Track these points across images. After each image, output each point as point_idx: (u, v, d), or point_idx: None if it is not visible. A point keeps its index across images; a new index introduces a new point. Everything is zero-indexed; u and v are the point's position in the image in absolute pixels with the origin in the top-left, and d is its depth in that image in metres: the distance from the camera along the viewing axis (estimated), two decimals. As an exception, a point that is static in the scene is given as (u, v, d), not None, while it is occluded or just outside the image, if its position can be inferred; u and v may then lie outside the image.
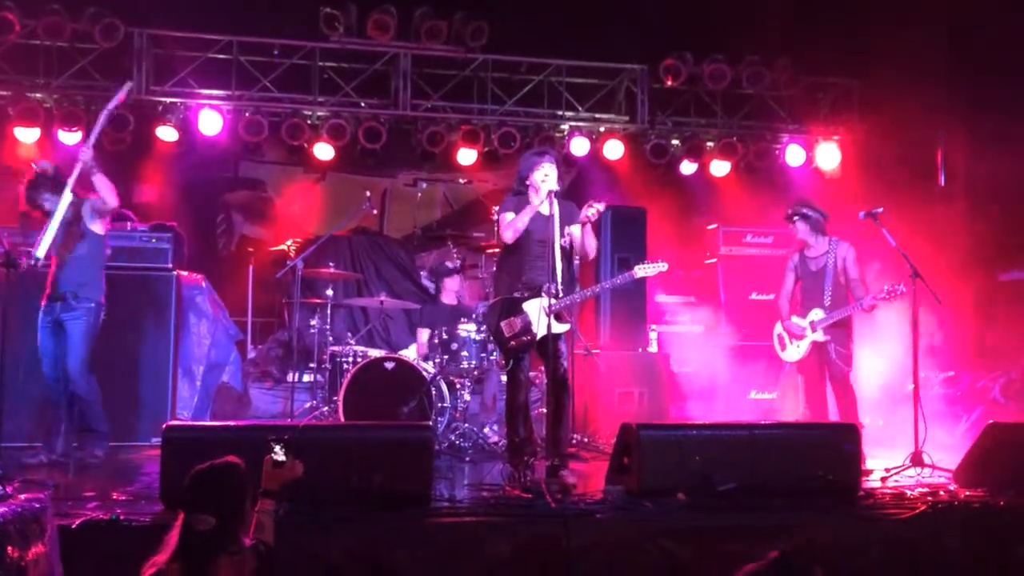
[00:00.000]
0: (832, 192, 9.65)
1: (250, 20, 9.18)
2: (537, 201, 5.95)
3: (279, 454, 3.75)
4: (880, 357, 8.10)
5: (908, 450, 6.42)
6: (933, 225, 8.71)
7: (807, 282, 7.29)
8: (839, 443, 5.52)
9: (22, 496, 3.52)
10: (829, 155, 10.24)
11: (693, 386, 9.07)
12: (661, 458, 5.26)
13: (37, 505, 3.50)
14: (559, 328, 5.89)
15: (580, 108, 9.99)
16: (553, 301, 5.82)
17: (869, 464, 6.23)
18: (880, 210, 6.91)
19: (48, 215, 6.23)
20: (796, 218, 7.29)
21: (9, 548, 3.16)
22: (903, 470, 6.28)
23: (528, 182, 6.06)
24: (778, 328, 7.46)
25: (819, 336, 7.09)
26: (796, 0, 9.24)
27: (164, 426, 5.09)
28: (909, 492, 5.65)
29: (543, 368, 6.06)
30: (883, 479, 6.12)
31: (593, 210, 5.85)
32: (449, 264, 8.75)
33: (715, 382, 8.97)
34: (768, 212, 9.77)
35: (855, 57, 9.71)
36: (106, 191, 6.26)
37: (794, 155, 10.23)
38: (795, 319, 7.27)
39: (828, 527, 4.96)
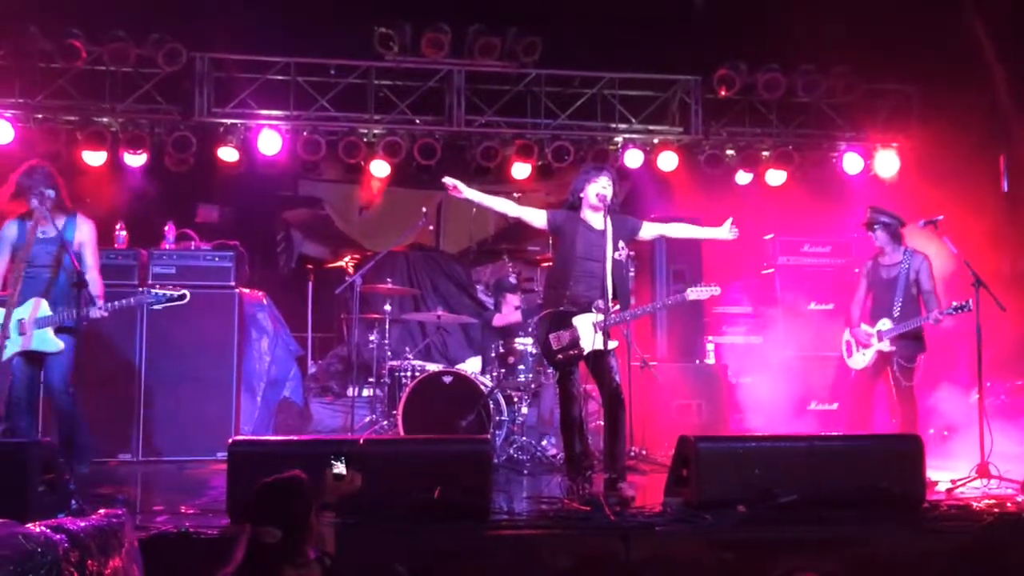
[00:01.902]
0: (891, 200, 9.48)
1: (307, 42, 9.35)
2: (591, 215, 6.00)
3: (339, 467, 3.84)
4: (944, 366, 7.98)
5: (974, 461, 6.32)
6: (996, 231, 8.55)
7: (878, 290, 7.18)
8: (902, 454, 5.46)
9: (102, 511, 3.65)
10: (888, 162, 10.09)
11: (752, 398, 8.99)
12: (720, 470, 5.24)
13: (116, 520, 3.62)
14: (609, 345, 5.86)
15: (633, 120, 9.97)
16: (603, 317, 5.81)
17: (934, 475, 6.13)
18: (940, 218, 6.83)
19: (30, 207, 5.96)
20: (876, 227, 7.17)
21: (89, 561, 3.27)
22: (969, 481, 6.19)
23: (582, 195, 6.06)
24: (847, 335, 7.38)
25: (884, 346, 6.99)
26: (851, 6, 9.14)
27: (229, 441, 5.21)
28: (975, 504, 5.57)
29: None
30: (948, 491, 6.04)
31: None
32: (512, 279, 8.82)
33: (774, 393, 8.88)
34: (825, 221, 9.67)
35: (913, 62, 9.58)
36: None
37: (852, 163, 10.10)
38: (864, 327, 7.18)
39: (892, 539, 4.90)
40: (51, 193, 5.94)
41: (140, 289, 6.65)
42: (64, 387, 6.01)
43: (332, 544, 3.71)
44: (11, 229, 6.08)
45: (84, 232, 6.14)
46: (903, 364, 6.95)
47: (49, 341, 5.97)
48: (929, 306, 6.94)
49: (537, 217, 6.15)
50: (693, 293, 6.16)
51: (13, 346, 5.95)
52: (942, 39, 8.87)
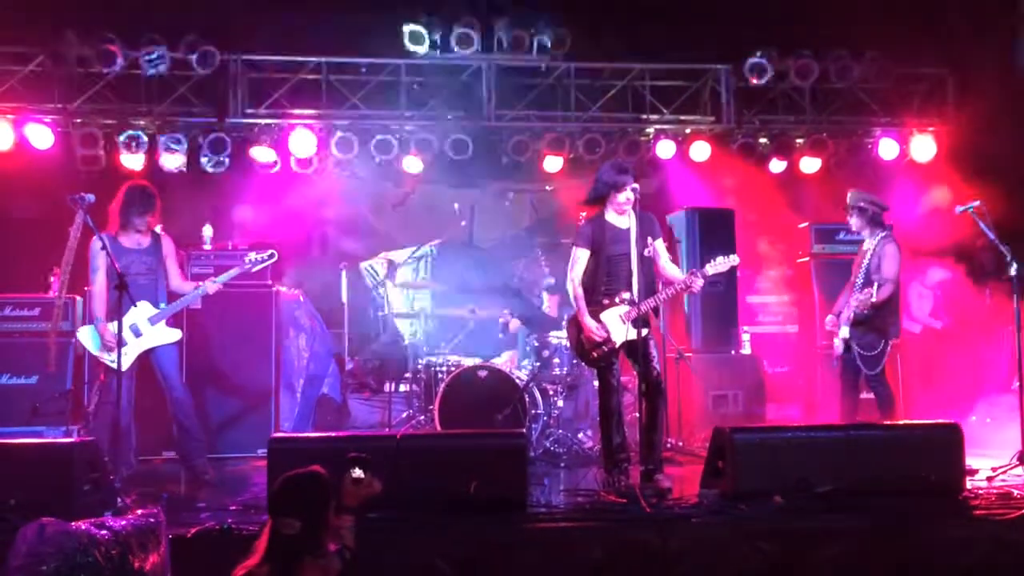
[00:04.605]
0: (928, 185, 9.41)
1: (338, 41, 9.42)
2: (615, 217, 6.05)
3: (358, 472, 3.91)
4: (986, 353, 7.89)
5: (1015, 449, 6.26)
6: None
7: (853, 277, 7.16)
8: (941, 442, 5.43)
9: (139, 511, 3.78)
10: (924, 147, 9.95)
11: (788, 387, 8.94)
12: (756, 461, 5.24)
13: (153, 519, 3.75)
14: (642, 332, 5.89)
15: (665, 111, 9.92)
16: (628, 308, 5.89)
17: (975, 463, 6.08)
18: (976, 203, 6.73)
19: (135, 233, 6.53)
20: (853, 211, 7.11)
21: (130, 557, 3.40)
22: (1010, 469, 6.14)
23: (608, 200, 6.08)
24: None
25: (844, 332, 6.96)
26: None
27: (270, 438, 5.29)
28: (1016, 492, 5.51)
29: (635, 372, 6.09)
30: (989, 479, 5.98)
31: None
32: (551, 281, 8.84)
33: (811, 383, 8.83)
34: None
35: (947, 45, 9.45)
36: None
37: (887, 149, 9.97)
38: (831, 315, 7.18)
39: (931, 527, 4.87)
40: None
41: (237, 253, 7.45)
42: (181, 377, 6.48)
43: (351, 540, 3.79)
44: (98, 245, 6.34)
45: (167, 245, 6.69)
46: (863, 353, 6.89)
47: (168, 332, 6.39)
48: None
49: (584, 257, 6.14)
50: (712, 267, 6.08)
51: (135, 349, 6.27)
52: (975, 20, 8.75)
